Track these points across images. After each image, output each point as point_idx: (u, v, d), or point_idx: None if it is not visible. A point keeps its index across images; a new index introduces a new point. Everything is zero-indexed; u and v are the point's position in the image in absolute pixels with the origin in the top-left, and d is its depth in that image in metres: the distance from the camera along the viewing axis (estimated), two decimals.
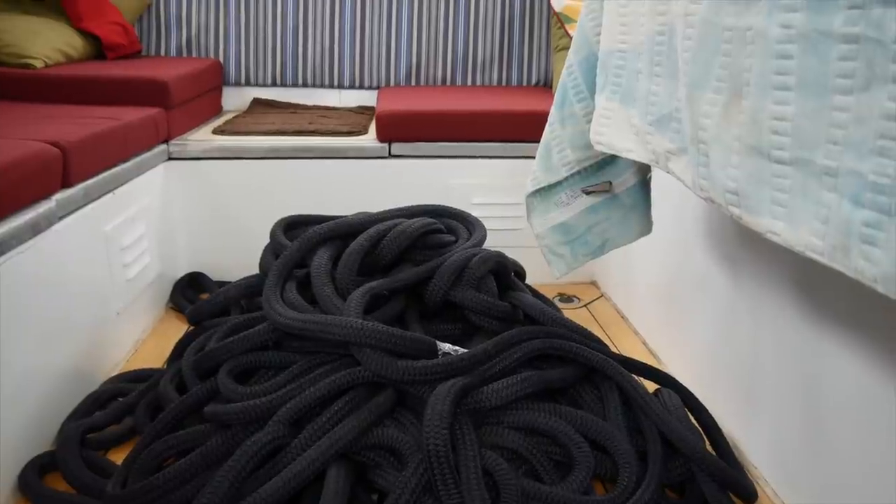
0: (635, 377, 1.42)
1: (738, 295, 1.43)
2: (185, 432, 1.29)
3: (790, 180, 0.76)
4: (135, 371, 1.67)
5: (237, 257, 2.12)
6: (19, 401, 1.30)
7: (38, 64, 2.22)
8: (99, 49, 2.56)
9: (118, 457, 1.36)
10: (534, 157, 1.46)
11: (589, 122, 1.32)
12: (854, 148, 0.66)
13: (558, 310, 1.67)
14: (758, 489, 1.30)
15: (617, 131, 1.19)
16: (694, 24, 0.92)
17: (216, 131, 2.34)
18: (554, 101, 1.40)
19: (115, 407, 1.49)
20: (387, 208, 1.71)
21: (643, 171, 1.44)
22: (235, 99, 2.85)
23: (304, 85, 2.85)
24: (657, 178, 1.48)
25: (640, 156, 1.14)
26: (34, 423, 1.36)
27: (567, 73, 1.37)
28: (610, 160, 1.41)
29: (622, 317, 2.11)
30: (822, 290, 1.16)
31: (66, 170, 1.52)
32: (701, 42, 0.90)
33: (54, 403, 1.43)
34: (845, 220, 0.68)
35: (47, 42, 2.29)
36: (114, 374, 1.67)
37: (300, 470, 1.14)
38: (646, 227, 1.48)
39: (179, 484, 1.17)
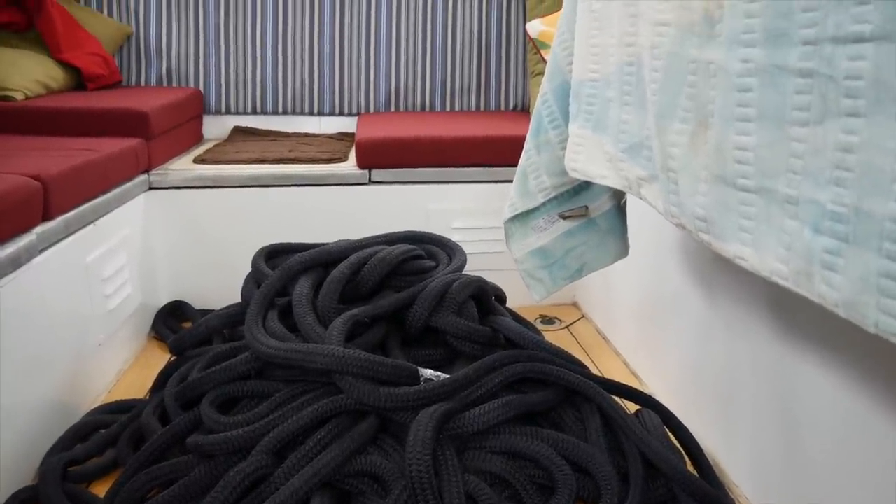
0: (616, 398, 1.43)
1: (714, 315, 1.45)
2: (168, 463, 1.29)
3: (755, 208, 0.78)
4: (117, 402, 1.66)
5: (219, 286, 2.13)
6: (1, 433, 1.29)
7: (19, 96, 2.22)
8: (79, 80, 2.56)
9: (101, 489, 1.35)
10: (512, 181, 1.49)
11: (564, 148, 1.34)
12: (812, 177, 0.69)
13: (539, 333, 1.69)
14: None
15: (590, 158, 1.22)
16: (660, 55, 0.95)
17: (197, 160, 2.35)
18: (529, 129, 1.43)
19: (97, 439, 1.48)
20: (367, 235, 1.72)
21: (618, 196, 1.47)
22: (216, 127, 2.86)
23: (285, 112, 2.87)
24: (633, 202, 1.51)
25: (613, 182, 1.17)
26: (15, 456, 1.35)
27: (542, 101, 1.40)
28: (585, 185, 1.44)
29: (603, 338, 2.13)
30: (794, 309, 1.19)
31: (47, 203, 1.52)
32: (667, 73, 0.93)
33: (36, 436, 1.42)
34: (807, 246, 0.70)
35: (27, 74, 2.30)
36: (96, 405, 1.67)
37: (284, 499, 1.14)
38: (622, 250, 1.51)
39: None
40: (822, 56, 0.66)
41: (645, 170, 1.05)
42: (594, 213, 1.46)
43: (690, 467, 1.38)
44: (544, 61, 2.50)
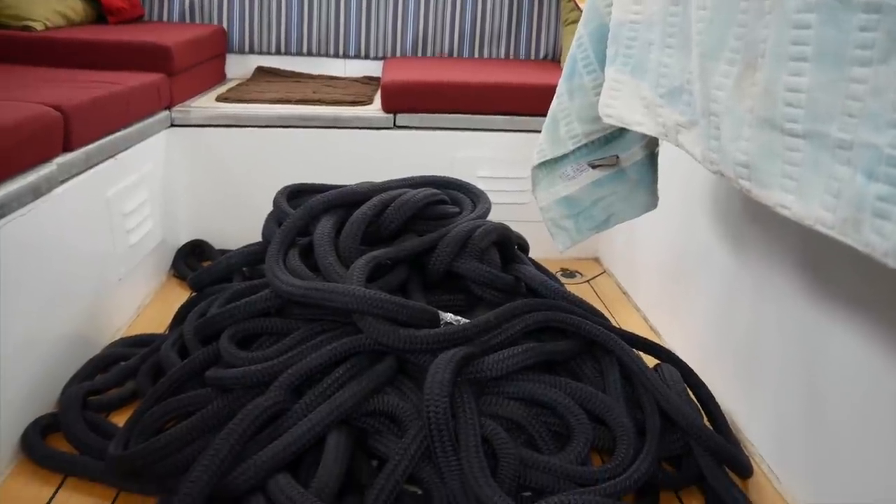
0: (636, 352, 1.42)
1: (741, 272, 1.43)
2: (186, 396, 1.30)
3: (802, 153, 0.75)
4: (137, 336, 1.67)
5: (239, 225, 2.12)
6: (22, 363, 1.30)
7: (39, 27, 2.19)
8: (100, 13, 2.53)
9: (119, 419, 1.37)
10: (540, 132, 1.45)
11: (598, 94, 1.30)
12: (870, 120, 0.65)
13: (561, 284, 1.67)
14: (753, 465, 1.30)
15: (626, 104, 1.18)
16: None
17: (219, 98, 2.32)
18: (563, 73, 1.39)
19: (116, 370, 1.49)
20: (391, 179, 1.70)
21: (651, 146, 1.43)
22: (239, 66, 2.82)
23: (309, 54, 2.82)
24: (663, 154, 1.47)
25: (649, 129, 1.13)
26: (37, 384, 1.36)
27: (577, 45, 1.36)
28: (618, 134, 1.40)
29: (624, 293, 2.11)
30: (826, 269, 1.16)
31: (68, 134, 1.51)
32: (716, 12, 0.89)
33: (57, 366, 1.43)
34: (858, 193, 0.67)
35: (48, 5, 2.27)
36: (116, 338, 1.68)
37: (300, 434, 1.15)
38: (651, 202, 1.47)
39: (181, 446, 1.18)
40: None
41: (684, 115, 1.01)
42: (625, 163, 1.42)
43: (707, 423, 1.36)
44: (578, 9, 2.43)
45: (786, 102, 0.76)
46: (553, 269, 2.09)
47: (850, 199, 0.68)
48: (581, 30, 1.35)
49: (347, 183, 1.68)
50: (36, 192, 1.35)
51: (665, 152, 1.47)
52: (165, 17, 2.78)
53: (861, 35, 0.66)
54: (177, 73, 2.16)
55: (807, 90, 0.73)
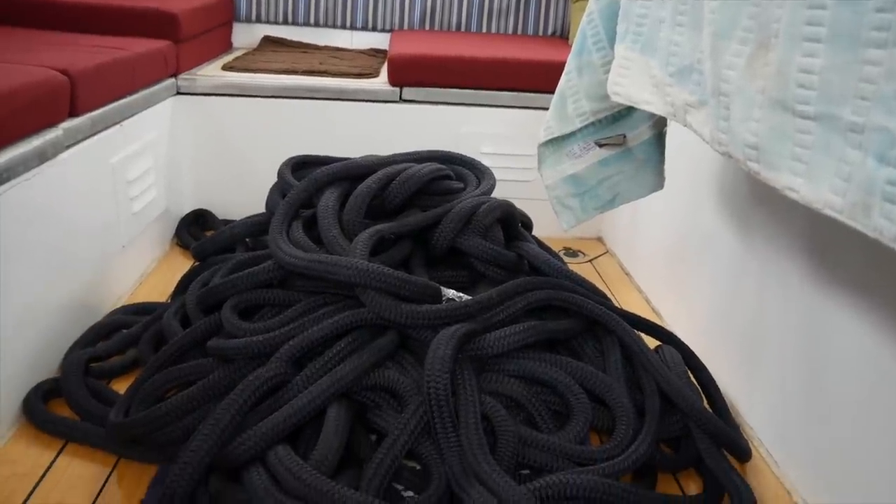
0: (637, 333, 1.42)
1: (747, 256, 1.42)
2: (187, 365, 1.30)
3: (813, 136, 0.74)
4: (139, 304, 1.67)
5: (243, 195, 2.12)
6: (24, 328, 1.31)
7: None
8: None
9: (120, 387, 1.37)
10: (547, 109, 1.43)
11: (607, 72, 1.29)
12: (884, 104, 0.64)
13: (563, 262, 1.66)
14: (752, 449, 1.31)
15: (635, 82, 1.17)
16: None
17: (226, 67, 2.30)
18: (572, 49, 1.37)
19: (118, 338, 1.50)
20: (396, 153, 1.69)
21: (659, 126, 1.42)
22: (245, 36, 2.80)
23: (316, 24, 2.80)
24: (671, 134, 1.46)
25: (657, 108, 1.12)
26: (39, 350, 1.37)
27: (587, 21, 1.34)
28: (625, 112, 1.38)
29: (626, 274, 2.10)
30: (833, 254, 1.15)
31: (74, 98, 1.50)
32: None
33: (59, 332, 1.44)
34: (868, 177, 0.66)
35: None
36: (118, 306, 1.68)
37: (300, 406, 1.15)
38: (658, 182, 1.46)
39: (181, 415, 1.18)
40: None
41: (693, 95, 1.00)
42: (632, 143, 1.41)
43: (707, 406, 1.37)
44: None
45: (798, 84, 0.75)
46: (556, 247, 2.09)
47: (860, 183, 0.68)
48: (592, 5, 1.33)
49: (352, 156, 1.67)
50: (42, 157, 1.34)
51: (673, 133, 1.46)
52: None
53: (877, 16, 0.64)
54: (183, 40, 2.14)
55: (820, 72, 0.72)
